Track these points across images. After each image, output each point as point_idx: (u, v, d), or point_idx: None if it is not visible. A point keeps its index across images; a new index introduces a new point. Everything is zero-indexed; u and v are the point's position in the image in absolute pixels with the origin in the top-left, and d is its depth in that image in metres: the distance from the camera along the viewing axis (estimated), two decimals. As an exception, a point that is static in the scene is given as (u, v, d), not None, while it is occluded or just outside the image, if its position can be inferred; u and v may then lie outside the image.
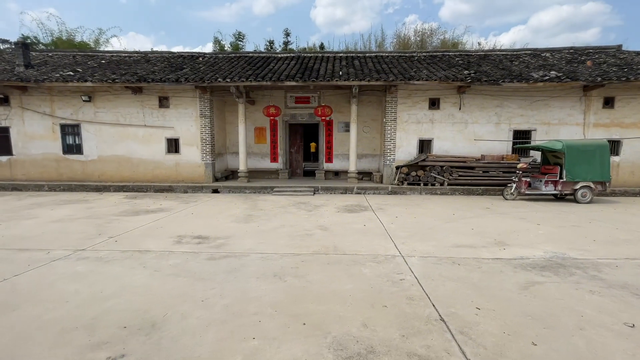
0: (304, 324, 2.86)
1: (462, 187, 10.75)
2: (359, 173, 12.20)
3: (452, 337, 2.66)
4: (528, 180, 9.52)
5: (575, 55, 12.88)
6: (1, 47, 20.58)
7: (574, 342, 2.60)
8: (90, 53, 14.57)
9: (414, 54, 13.75)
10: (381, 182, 11.81)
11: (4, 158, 12.20)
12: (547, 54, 13.17)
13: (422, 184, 10.90)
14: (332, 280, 3.82)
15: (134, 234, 5.75)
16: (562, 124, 11.21)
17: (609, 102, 11.06)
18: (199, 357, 2.41)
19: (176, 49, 44.41)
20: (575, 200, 9.14)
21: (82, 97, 11.64)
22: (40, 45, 20.09)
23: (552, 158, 9.85)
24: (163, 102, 11.80)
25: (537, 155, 11.14)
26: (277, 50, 23.82)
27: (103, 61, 13.34)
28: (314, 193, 10.78)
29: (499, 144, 11.40)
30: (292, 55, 13.99)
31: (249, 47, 26.19)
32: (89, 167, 12.12)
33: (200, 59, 13.66)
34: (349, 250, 4.91)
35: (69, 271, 4.06)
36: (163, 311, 3.07)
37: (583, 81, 10.21)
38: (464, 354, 2.44)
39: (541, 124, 11.26)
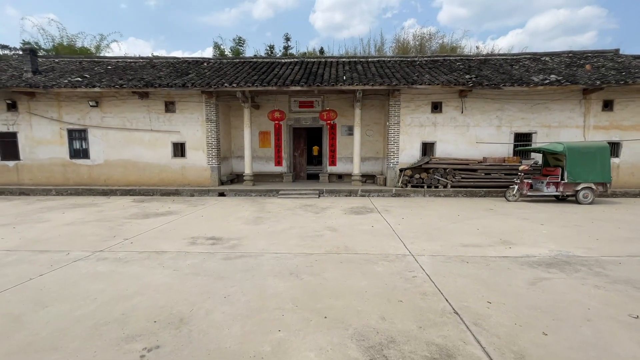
0: (325, 317, 3.00)
1: (465, 189, 10.91)
2: (362, 176, 12.36)
3: (467, 328, 2.81)
4: (530, 182, 9.69)
5: (574, 59, 13.12)
6: (0, 53, 20.83)
7: (582, 332, 2.75)
8: (96, 59, 14.78)
9: (416, 59, 13.99)
10: (385, 185, 11.97)
11: (12, 163, 12.35)
12: (547, 58, 13.42)
13: (425, 186, 11.06)
14: (346, 277, 3.96)
15: (148, 236, 5.89)
16: (562, 126, 11.41)
17: (608, 105, 11.28)
18: (229, 347, 2.55)
19: (175, 53, 44.80)
20: (577, 202, 9.30)
21: (90, 102, 11.82)
22: (42, 51, 20.32)
23: (553, 160, 10.03)
24: (169, 106, 11.99)
25: (538, 158, 11.33)
26: (278, 55, 24.16)
27: (109, 67, 13.54)
28: (319, 196, 10.93)
29: (500, 147, 11.59)
30: (296, 60, 14.22)
31: (249, 51, 26.47)
32: (95, 172, 12.26)
33: (205, 64, 13.87)
34: (360, 250, 5.05)
35: (91, 271, 4.19)
36: (188, 307, 3.21)
37: (583, 85, 10.43)
38: (479, 343, 2.58)
39: (542, 127, 11.47)
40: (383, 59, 14.30)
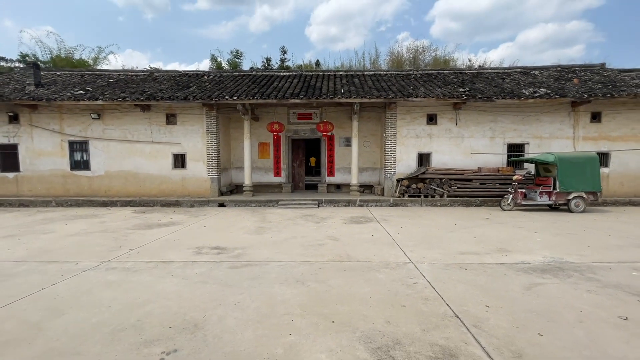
0: (333, 321, 3.15)
1: (461, 198, 11.17)
2: (360, 186, 12.58)
3: (467, 330, 2.97)
4: (524, 191, 9.97)
5: (563, 73, 13.64)
6: None
7: (576, 333, 2.93)
8: (97, 72, 15.02)
9: (411, 72, 14.42)
10: (382, 195, 12.19)
11: (11, 174, 12.39)
12: (536, 72, 13.92)
13: (422, 196, 11.30)
14: (350, 284, 4.11)
15: (154, 246, 6.00)
16: (553, 137, 11.80)
17: (596, 117, 11.71)
18: (244, 350, 2.69)
19: (172, 65, 45.27)
20: (569, 210, 9.58)
21: (92, 114, 11.99)
22: (39, 62, 20.55)
23: (545, 170, 10.35)
24: (170, 118, 12.19)
25: (531, 168, 11.66)
26: (275, 67, 24.64)
27: (111, 80, 13.77)
28: (318, 206, 11.10)
29: (494, 157, 11.92)
30: (295, 73, 14.57)
31: (246, 63, 26.99)
32: (95, 183, 12.34)
33: (206, 77, 14.17)
34: (361, 258, 5.22)
35: (101, 280, 4.30)
36: (201, 314, 3.34)
37: (571, 97, 10.86)
38: (479, 343, 2.75)
39: (533, 138, 11.85)
40: (379, 72, 14.72)
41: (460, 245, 5.96)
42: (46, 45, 22.55)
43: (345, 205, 11.14)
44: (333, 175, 13.88)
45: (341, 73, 14.61)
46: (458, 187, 11.28)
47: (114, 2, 56.22)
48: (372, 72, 14.66)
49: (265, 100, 11.05)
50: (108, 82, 13.47)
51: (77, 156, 12.36)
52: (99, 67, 21.90)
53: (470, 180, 11.32)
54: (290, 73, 14.68)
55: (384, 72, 14.62)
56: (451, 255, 5.30)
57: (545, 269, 4.65)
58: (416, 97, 11.00)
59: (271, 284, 4.14)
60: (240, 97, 11.11)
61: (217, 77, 14.22)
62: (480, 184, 11.27)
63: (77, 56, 22.52)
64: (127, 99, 11.25)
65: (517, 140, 11.89)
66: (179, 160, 12.31)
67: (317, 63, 26.18)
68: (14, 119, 12.23)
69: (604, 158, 11.56)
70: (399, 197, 11.43)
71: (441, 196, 11.28)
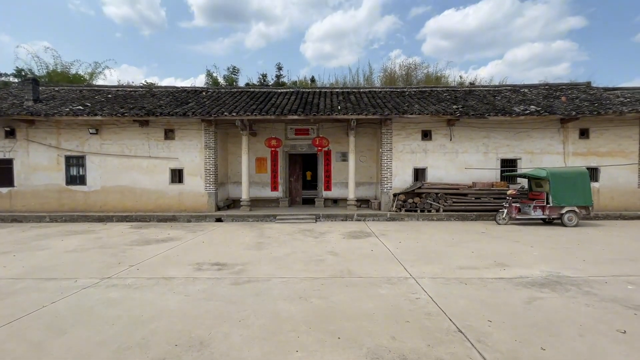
0: (339, 338, 3.17)
1: (457, 212, 11.31)
2: (357, 200, 12.67)
3: (472, 345, 3.02)
4: (518, 205, 10.16)
5: (551, 91, 14.14)
6: None
7: (577, 347, 2.99)
8: (96, 88, 15.14)
9: (405, 89, 14.82)
10: (379, 209, 12.29)
11: (5, 189, 12.24)
12: (526, 90, 14.42)
13: (419, 210, 11.42)
14: (353, 300, 4.14)
15: (153, 262, 5.96)
16: (544, 152, 12.13)
17: (584, 133, 12.11)
18: (252, 368, 2.69)
19: (168, 80, 45.76)
20: (563, 224, 9.76)
21: (90, 129, 12.01)
22: (35, 77, 20.60)
23: (536, 185, 10.58)
24: (169, 134, 12.27)
25: (524, 182, 11.91)
26: (271, 83, 25.06)
27: (110, 95, 13.88)
28: (316, 220, 11.14)
29: (488, 172, 12.17)
30: (292, 90, 14.86)
31: (242, 79, 27.36)
32: (91, 198, 12.24)
33: (204, 93, 14.36)
34: (362, 273, 5.25)
35: (103, 297, 4.26)
36: (206, 331, 3.33)
37: (559, 115, 11.25)
38: (484, 358, 2.80)
39: (525, 153, 12.16)
40: (374, 89, 15.09)
41: (459, 259, 6.03)
42: (42, 60, 22.65)
43: (342, 220, 11.19)
44: (330, 189, 13.98)
45: (337, 90, 14.95)
46: (454, 202, 11.44)
47: (112, 19, 57.09)
48: (367, 89, 15.02)
49: (264, 116, 11.22)
50: (107, 97, 13.57)
51: (74, 171, 12.30)
52: (94, 82, 22.07)
53: (465, 194, 11.50)
54: (288, 90, 14.97)
55: (379, 89, 14.99)
56: (451, 270, 5.36)
57: (543, 283, 4.74)
58: (411, 114, 11.29)
59: (275, 300, 4.15)
60: (239, 113, 11.27)
61: (216, 93, 14.42)
62: (476, 198, 11.46)
63: (73, 71, 22.71)
64: (126, 114, 11.33)
65: (509, 156, 12.19)
66: (177, 175, 12.31)
67: (313, 79, 26.72)
68: (10, 133, 12.19)
69: (593, 173, 11.88)
70: (396, 211, 11.53)
71: (437, 210, 11.41)
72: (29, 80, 12.81)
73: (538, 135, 12.12)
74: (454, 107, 11.94)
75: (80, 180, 12.26)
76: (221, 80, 24.82)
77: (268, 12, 62.31)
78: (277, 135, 13.16)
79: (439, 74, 24.95)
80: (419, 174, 12.28)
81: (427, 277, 5.00)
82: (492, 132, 12.14)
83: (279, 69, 26.67)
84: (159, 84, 23.26)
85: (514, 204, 10.11)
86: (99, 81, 22.97)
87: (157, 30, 61.66)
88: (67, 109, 11.57)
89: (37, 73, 21.40)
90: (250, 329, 3.38)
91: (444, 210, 11.41)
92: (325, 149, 13.13)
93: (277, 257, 6.28)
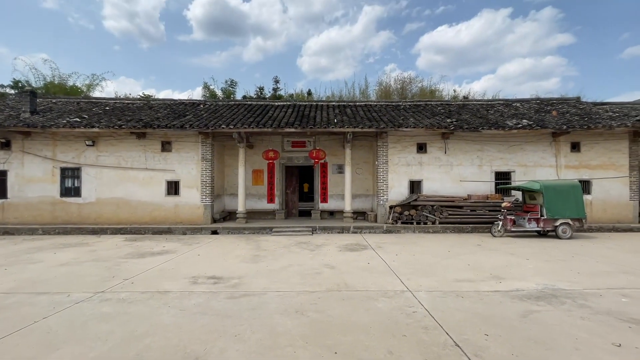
0: (336, 352, 3.15)
1: (452, 225, 11.36)
2: (353, 212, 12.70)
3: (469, 359, 3.02)
4: (513, 218, 10.24)
5: (542, 105, 14.48)
6: None
7: (573, 360, 3.00)
8: (93, 100, 15.21)
9: (400, 103, 15.08)
10: (375, 221, 12.31)
11: (-2, 201, 12.10)
12: (518, 104, 14.74)
13: (415, 223, 11.45)
14: (350, 314, 4.13)
15: (148, 276, 5.90)
16: (537, 165, 12.32)
17: (575, 147, 12.35)
18: (248, 384, 2.66)
19: (165, 92, 46.05)
20: (557, 236, 9.84)
21: (86, 141, 12.01)
22: (32, 89, 20.63)
23: (530, 198, 10.71)
24: (165, 146, 12.30)
25: (518, 195, 12.04)
26: (268, 96, 25.33)
27: (107, 107, 13.94)
28: (312, 233, 11.11)
29: (482, 185, 12.30)
30: (289, 103, 15.06)
31: (239, 92, 27.60)
32: (85, 210, 12.13)
33: (202, 106, 14.49)
34: (359, 286, 5.24)
35: (96, 312, 4.20)
36: (201, 346, 3.29)
37: (551, 128, 11.49)
38: (481, 373, 2.79)
39: (519, 166, 12.34)
40: (370, 103, 15.34)
41: (456, 272, 6.05)
42: (40, 72, 22.78)
43: (339, 232, 11.18)
44: (326, 201, 14.00)
45: (333, 103, 15.17)
46: (449, 214, 11.51)
47: (111, 32, 57.78)
48: (363, 103, 15.26)
49: (261, 129, 11.33)
50: (104, 109, 13.63)
51: (68, 183, 12.23)
52: (92, 94, 22.15)
53: (460, 207, 11.59)
54: (285, 103, 15.16)
55: (375, 103, 15.24)
56: (447, 283, 5.37)
57: (539, 296, 4.76)
58: (406, 127, 11.47)
59: (271, 314, 4.12)
60: (236, 126, 11.37)
61: (213, 106, 14.56)
62: (471, 210, 11.54)
63: (70, 83, 22.80)
64: (123, 126, 11.38)
65: (503, 169, 12.36)
66: (173, 187, 12.29)
67: (309, 92, 27.05)
68: (5, 145, 12.15)
69: (586, 185, 12.06)
70: (392, 223, 11.56)
71: (433, 223, 11.45)
72: (26, 92, 12.85)
73: (531, 149, 12.34)
74: (448, 120, 12.15)
75: (75, 192, 12.17)
76: (219, 93, 25.05)
77: (266, 27, 63.58)
78: (274, 147, 13.26)
79: (433, 88, 25.42)
80: (415, 186, 12.38)
81: (424, 290, 5.00)
82: (486, 145, 12.34)
83: (276, 82, 27.01)
84: (156, 97, 23.43)
85: (508, 217, 10.19)
86: (96, 93, 23.08)
87: (155, 43, 62.39)
88: (64, 121, 11.60)
89: (34, 85, 21.45)
90: (247, 343, 3.35)
91: (439, 223, 11.46)
92: (322, 161, 13.23)
93: (274, 271, 6.24)
